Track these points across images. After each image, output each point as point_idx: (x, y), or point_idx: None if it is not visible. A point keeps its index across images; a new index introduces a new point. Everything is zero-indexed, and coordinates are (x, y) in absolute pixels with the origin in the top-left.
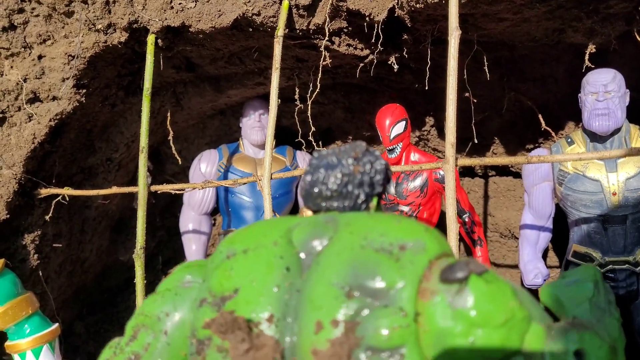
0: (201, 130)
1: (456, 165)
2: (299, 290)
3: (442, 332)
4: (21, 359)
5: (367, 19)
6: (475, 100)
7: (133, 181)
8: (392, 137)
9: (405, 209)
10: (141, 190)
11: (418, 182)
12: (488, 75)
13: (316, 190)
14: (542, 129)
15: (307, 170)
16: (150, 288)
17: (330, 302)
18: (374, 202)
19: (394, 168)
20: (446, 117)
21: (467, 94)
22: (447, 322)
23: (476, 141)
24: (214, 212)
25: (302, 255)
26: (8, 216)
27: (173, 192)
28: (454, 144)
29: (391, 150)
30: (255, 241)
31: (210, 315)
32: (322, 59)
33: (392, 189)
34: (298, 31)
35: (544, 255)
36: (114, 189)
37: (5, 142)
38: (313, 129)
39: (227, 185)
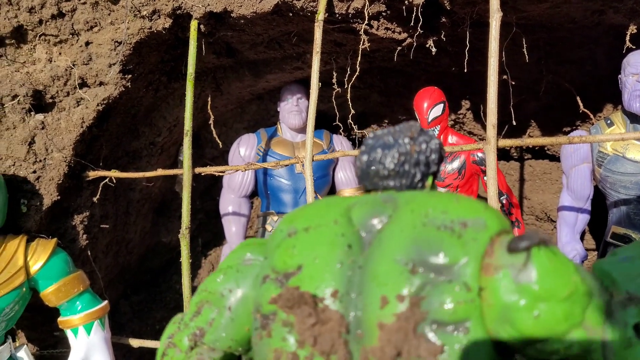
0: (239, 115)
1: (497, 146)
2: (361, 267)
3: (506, 306)
4: (73, 334)
5: (405, 2)
6: (513, 83)
7: (174, 164)
8: (430, 119)
9: (443, 190)
10: (186, 172)
11: (456, 164)
12: (527, 58)
13: (373, 169)
14: (580, 112)
15: (363, 150)
16: (192, 269)
17: (394, 278)
18: (429, 181)
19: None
20: (487, 98)
21: (505, 77)
22: (511, 297)
23: (514, 124)
24: (252, 195)
25: (363, 233)
26: (59, 197)
27: (216, 174)
28: (495, 125)
29: None
30: (315, 220)
31: (275, 291)
32: (361, 43)
33: None
34: (337, 15)
35: (582, 237)
36: (159, 172)
37: (55, 126)
38: (353, 111)
39: (269, 167)
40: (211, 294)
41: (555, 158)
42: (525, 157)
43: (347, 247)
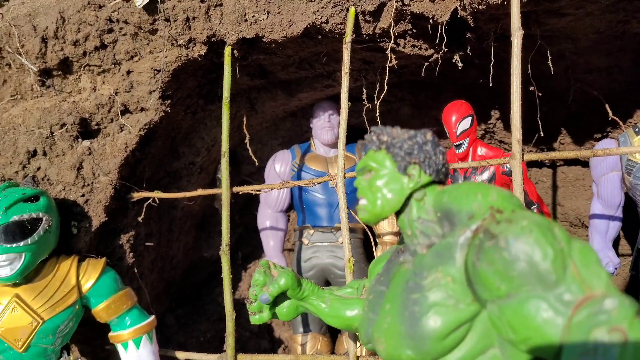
0: (273, 132)
1: (523, 160)
2: None
3: None
4: (124, 348)
5: (430, 20)
6: (540, 94)
7: (213, 182)
8: (458, 133)
9: None
10: (224, 191)
11: (485, 175)
12: (552, 69)
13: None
14: (610, 119)
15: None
16: (233, 282)
17: None
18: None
19: (462, 164)
20: (511, 114)
21: (532, 88)
22: None
23: (542, 134)
24: (288, 209)
25: None
26: (106, 219)
27: (253, 192)
28: (520, 140)
29: (458, 146)
30: None
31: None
32: (388, 60)
33: (460, 182)
34: (364, 36)
35: (615, 244)
36: (199, 191)
37: (101, 151)
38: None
39: (303, 185)
40: None
41: (588, 164)
42: (558, 164)
43: None
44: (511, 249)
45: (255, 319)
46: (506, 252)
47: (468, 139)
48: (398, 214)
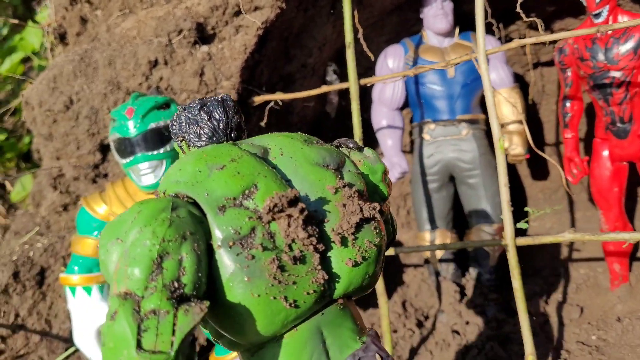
0: (379, 29)
1: None
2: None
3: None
4: None
5: None
6: None
7: (322, 85)
8: (597, 0)
9: (617, 74)
10: (352, 84)
11: (630, 44)
12: None
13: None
14: None
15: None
16: None
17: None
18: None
19: (605, 27)
20: None
21: None
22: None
23: None
24: (404, 106)
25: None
26: None
27: (383, 82)
28: None
29: (597, 15)
30: (227, 157)
31: (245, 213)
32: None
33: (600, 55)
34: None
35: None
36: (324, 88)
37: (220, 55)
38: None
39: (438, 68)
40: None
41: None
42: None
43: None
44: None
45: None
46: None
47: (608, 6)
48: None
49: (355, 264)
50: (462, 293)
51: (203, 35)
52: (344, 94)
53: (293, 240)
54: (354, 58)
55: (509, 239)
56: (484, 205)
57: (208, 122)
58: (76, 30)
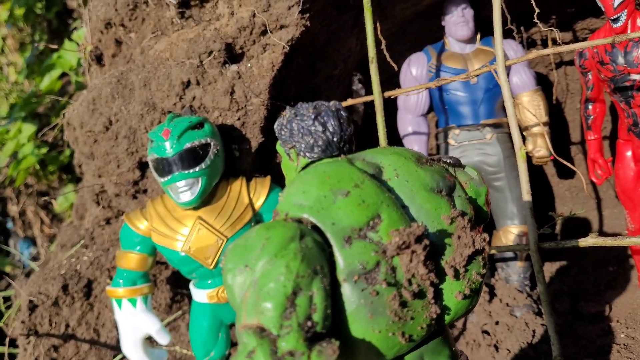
0: (401, 37)
1: None
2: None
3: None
4: None
5: None
6: None
7: (349, 95)
8: (616, 4)
9: (638, 77)
10: (377, 97)
11: None
12: None
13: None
14: None
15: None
16: None
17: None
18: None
19: (621, 36)
20: None
21: None
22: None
23: None
24: (428, 112)
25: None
26: (263, 139)
27: (406, 94)
28: None
29: (615, 20)
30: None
31: (370, 246)
32: None
33: (620, 58)
34: None
35: None
36: (349, 101)
37: (249, 73)
38: (508, 17)
39: (460, 80)
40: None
41: None
42: None
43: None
44: None
45: None
46: None
47: (627, 10)
48: None
49: (465, 297)
50: (492, 293)
51: (232, 55)
52: (369, 103)
53: (413, 275)
54: (377, 72)
55: (532, 244)
56: (510, 207)
57: (322, 135)
58: (112, 52)
